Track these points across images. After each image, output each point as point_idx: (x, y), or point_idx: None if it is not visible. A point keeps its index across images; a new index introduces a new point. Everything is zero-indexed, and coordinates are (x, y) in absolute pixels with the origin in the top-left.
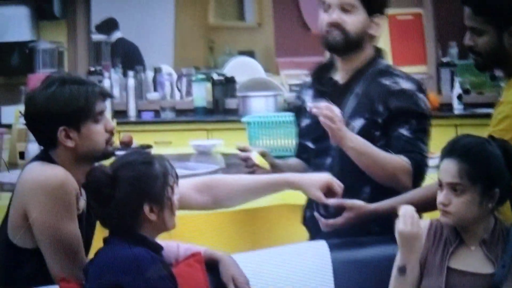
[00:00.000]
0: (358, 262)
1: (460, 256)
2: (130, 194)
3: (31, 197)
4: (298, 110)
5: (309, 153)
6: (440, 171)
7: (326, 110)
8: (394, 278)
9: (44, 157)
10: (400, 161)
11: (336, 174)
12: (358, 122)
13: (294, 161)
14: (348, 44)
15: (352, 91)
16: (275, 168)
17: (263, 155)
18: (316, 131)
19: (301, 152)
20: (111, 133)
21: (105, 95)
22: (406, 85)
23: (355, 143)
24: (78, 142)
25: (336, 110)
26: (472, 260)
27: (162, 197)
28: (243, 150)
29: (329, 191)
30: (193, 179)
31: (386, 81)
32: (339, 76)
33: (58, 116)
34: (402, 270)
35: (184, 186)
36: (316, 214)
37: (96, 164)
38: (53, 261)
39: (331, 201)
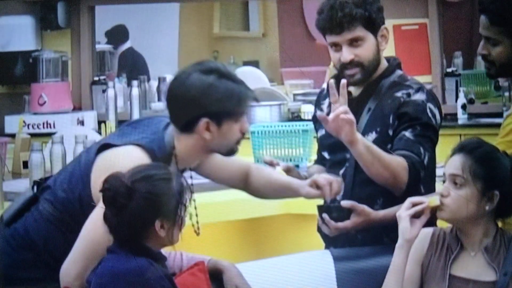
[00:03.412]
0: (362, 272)
1: (462, 263)
2: (144, 208)
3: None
4: (316, 119)
5: (326, 162)
6: (445, 166)
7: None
8: None
9: (158, 146)
10: (399, 159)
11: (349, 184)
12: (371, 136)
13: (317, 169)
14: (368, 75)
15: (365, 105)
16: None
17: (288, 170)
18: (331, 141)
19: (321, 160)
20: (243, 134)
21: (255, 99)
22: (416, 96)
23: (364, 139)
24: (214, 137)
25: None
26: (474, 268)
27: (175, 216)
28: (269, 164)
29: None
30: (240, 162)
31: (398, 93)
32: (353, 87)
33: (207, 108)
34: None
35: (230, 164)
36: (325, 216)
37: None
38: (78, 257)
39: (344, 203)
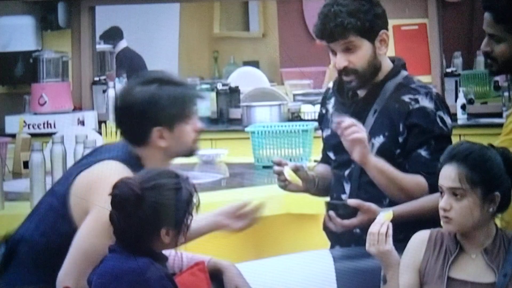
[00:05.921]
0: (362, 272)
1: (461, 265)
2: (151, 217)
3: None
4: (322, 119)
5: (332, 163)
6: (440, 177)
7: (350, 126)
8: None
9: (129, 159)
10: (417, 182)
11: (355, 185)
12: (378, 140)
13: (324, 168)
14: (364, 82)
15: (371, 106)
16: (308, 183)
17: (296, 169)
18: (336, 141)
19: (326, 159)
20: (198, 133)
21: (200, 97)
22: (425, 102)
23: (377, 160)
24: (170, 143)
25: (360, 125)
26: (473, 269)
27: (181, 224)
28: (278, 164)
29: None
30: None
31: (405, 97)
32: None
33: (155, 118)
34: (384, 280)
35: None
36: (331, 213)
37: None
38: (72, 267)
39: (351, 202)
